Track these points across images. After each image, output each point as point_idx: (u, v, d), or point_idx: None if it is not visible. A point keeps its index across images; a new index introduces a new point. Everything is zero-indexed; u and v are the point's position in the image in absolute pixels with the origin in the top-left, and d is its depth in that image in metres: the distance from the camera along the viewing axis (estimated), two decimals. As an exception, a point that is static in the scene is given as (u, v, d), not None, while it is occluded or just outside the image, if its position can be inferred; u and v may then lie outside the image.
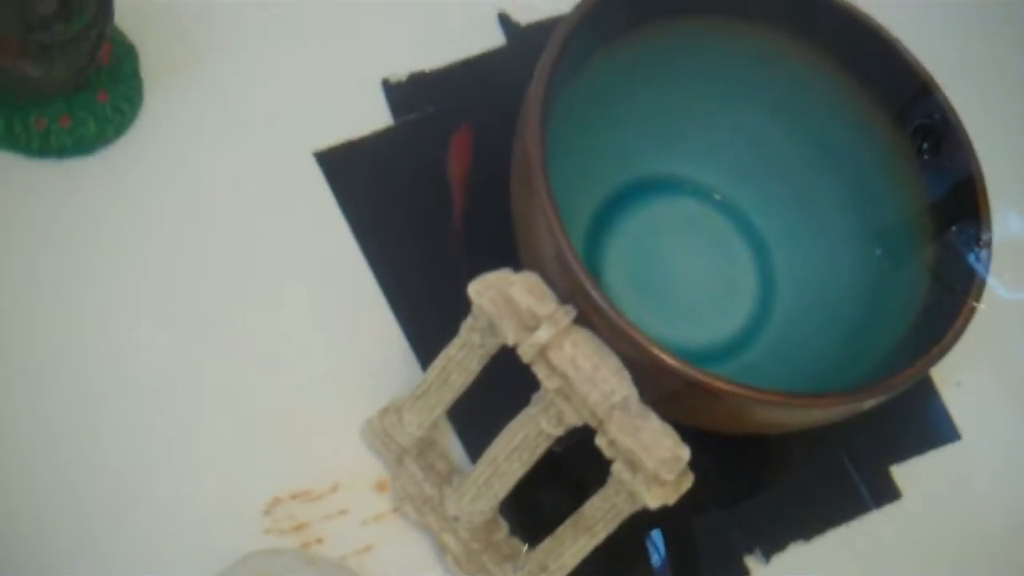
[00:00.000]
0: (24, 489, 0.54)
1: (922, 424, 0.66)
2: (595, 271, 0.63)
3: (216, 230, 0.61)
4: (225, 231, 0.62)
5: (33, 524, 0.54)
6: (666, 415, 0.50)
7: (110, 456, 0.55)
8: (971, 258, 0.57)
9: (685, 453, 0.49)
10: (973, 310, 0.55)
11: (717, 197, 0.67)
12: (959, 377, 0.68)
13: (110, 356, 0.57)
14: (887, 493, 0.64)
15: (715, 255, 0.66)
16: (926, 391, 0.67)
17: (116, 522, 0.54)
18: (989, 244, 0.57)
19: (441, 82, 0.68)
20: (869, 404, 0.53)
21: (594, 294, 0.50)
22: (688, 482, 0.50)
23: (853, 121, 0.63)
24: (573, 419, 0.50)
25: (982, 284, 0.56)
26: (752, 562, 0.61)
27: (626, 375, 0.50)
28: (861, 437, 0.64)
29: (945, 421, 0.67)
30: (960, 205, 0.59)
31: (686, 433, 0.49)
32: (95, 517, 0.54)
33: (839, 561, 0.62)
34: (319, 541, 0.56)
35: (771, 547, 0.61)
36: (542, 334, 0.50)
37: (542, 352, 0.50)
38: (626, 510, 0.51)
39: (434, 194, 0.65)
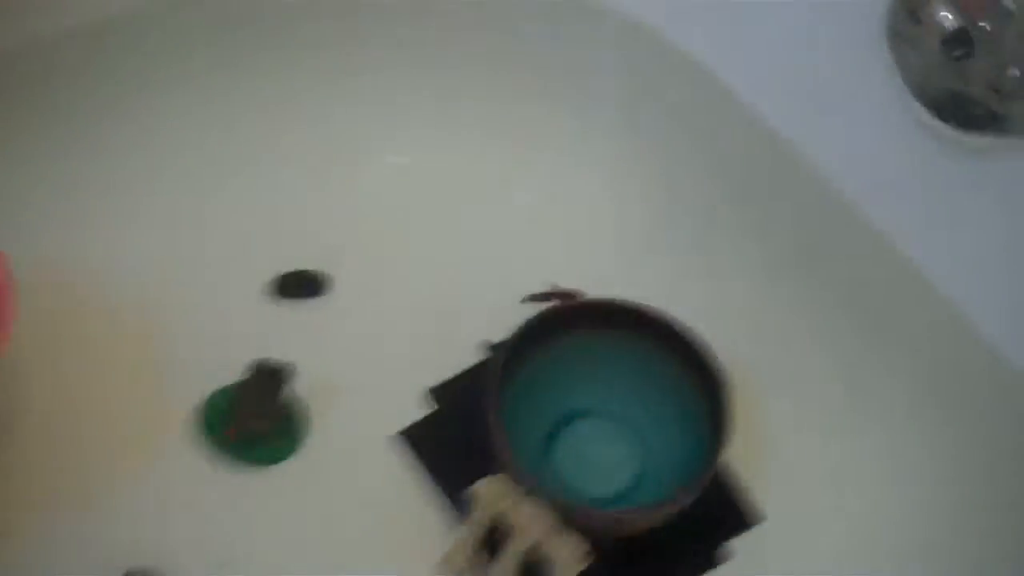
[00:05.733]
0: None
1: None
2: (551, 458, 1.21)
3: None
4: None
5: None
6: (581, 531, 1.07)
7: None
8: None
9: (585, 547, 1.05)
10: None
11: (614, 415, 1.25)
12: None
13: None
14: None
15: (615, 444, 1.23)
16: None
17: None
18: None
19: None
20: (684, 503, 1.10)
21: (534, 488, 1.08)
22: (587, 560, 1.07)
23: (675, 379, 1.21)
24: (528, 542, 1.08)
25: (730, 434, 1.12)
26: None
27: (550, 518, 1.07)
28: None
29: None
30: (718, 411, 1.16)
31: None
32: None
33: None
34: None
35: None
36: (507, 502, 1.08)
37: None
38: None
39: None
